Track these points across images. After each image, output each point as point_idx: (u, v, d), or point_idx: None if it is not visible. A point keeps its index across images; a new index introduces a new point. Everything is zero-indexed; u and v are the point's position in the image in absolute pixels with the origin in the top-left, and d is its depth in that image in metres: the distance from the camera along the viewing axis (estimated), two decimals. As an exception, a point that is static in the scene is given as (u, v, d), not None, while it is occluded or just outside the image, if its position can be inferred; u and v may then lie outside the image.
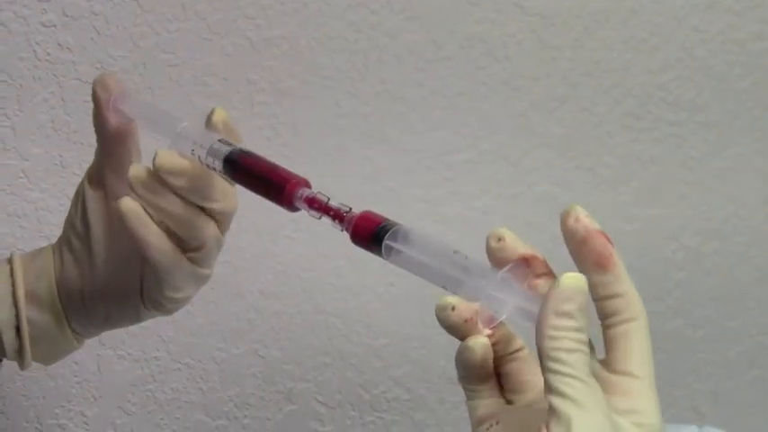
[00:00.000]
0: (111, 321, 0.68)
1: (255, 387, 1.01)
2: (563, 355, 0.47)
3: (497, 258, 0.53)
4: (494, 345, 0.53)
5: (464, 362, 0.53)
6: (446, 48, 0.99)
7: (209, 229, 0.63)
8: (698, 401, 1.21)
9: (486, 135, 1.03)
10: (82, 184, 0.67)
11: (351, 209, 0.56)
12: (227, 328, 0.99)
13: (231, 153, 0.60)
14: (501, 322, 0.52)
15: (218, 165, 0.60)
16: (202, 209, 0.62)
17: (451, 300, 0.52)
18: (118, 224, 0.64)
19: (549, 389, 0.47)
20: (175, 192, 0.61)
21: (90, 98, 0.87)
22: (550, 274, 0.53)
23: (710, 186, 1.14)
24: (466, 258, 0.52)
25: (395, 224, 0.55)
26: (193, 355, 0.98)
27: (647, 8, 1.06)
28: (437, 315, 0.52)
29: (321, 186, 0.98)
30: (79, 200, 0.67)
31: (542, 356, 0.47)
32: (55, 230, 0.90)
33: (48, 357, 0.70)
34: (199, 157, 0.60)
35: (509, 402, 0.53)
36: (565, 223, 0.52)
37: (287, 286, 1.00)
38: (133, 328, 0.89)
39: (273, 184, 0.59)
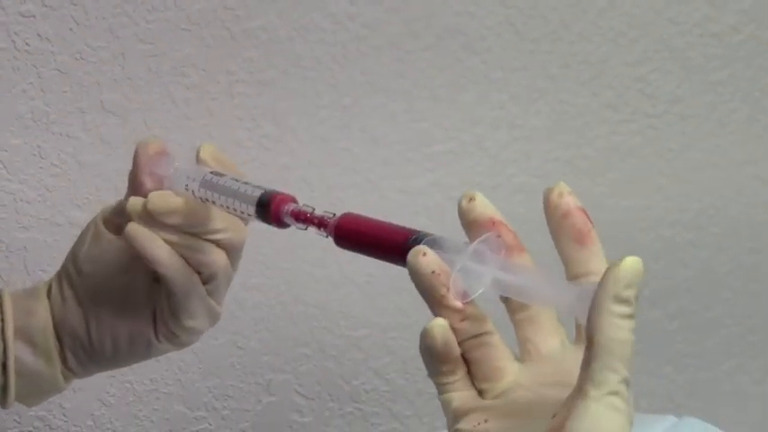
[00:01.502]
0: (119, 358, 0.67)
1: (234, 378, 1.01)
2: (616, 347, 0.45)
3: (468, 220, 0.52)
4: (462, 321, 0.51)
5: (426, 348, 0.51)
6: (425, 40, 0.99)
7: (219, 257, 0.63)
8: (675, 392, 1.22)
9: (466, 127, 1.03)
10: (94, 225, 0.66)
11: (334, 214, 0.56)
12: (206, 319, 0.99)
13: (219, 180, 0.61)
14: (472, 299, 0.51)
15: (210, 195, 0.61)
16: (208, 239, 0.63)
17: (423, 247, 0.50)
18: (132, 265, 0.64)
19: (590, 377, 0.45)
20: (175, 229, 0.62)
21: (69, 89, 0.88)
22: (520, 248, 0.53)
23: (687, 178, 1.14)
24: (441, 237, 0.51)
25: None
26: (173, 346, 0.98)
27: (625, 0, 1.06)
28: (408, 260, 0.50)
29: (301, 177, 0.99)
30: (87, 239, 0.66)
31: (595, 343, 0.45)
32: (33, 221, 0.90)
33: (31, 398, 0.69)
34: (193, 191, 0.61)
35: (480, 393, 0.52)
36: (548, 198, 0.52)
37: (267, 278, 1.00)
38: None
39: (260, 204, 0.59)
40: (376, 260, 0.55)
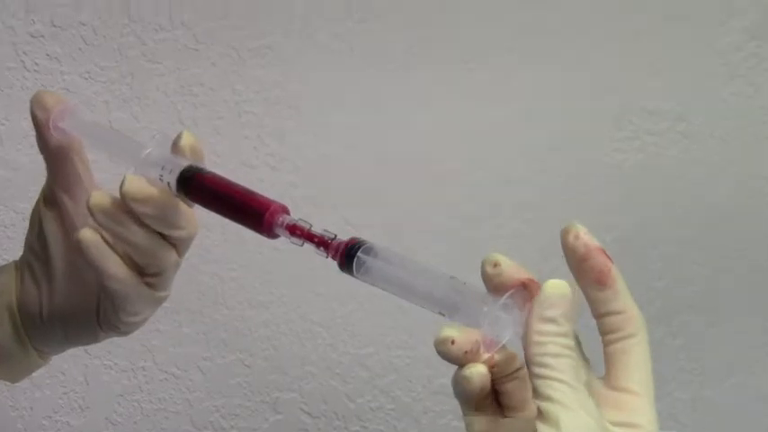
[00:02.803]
0: (70, 340, 0.67)
1: (241, 397, 1.02)
2: (549, 360, 0.47)
3: (494, 284, 0.52)
4: (493, 367, 0.52)
5: (462, 392, 0.52)
6: (428, 57, 1.00)
7: (169, 256, 0.62)
8: (678, 409, 1.22)
9: (470, 144, 1.04)
10: (37, 205, 0.65)
11: (336, 236, 0.55)
12: (213, 337, 0.99)
13: (204, 180, 0.58)
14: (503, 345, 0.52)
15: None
16: (163, 236, 0.61)
17: (450, 332, 0.51)
18: (76, 247, 0.62)
19: (537, 394, 0.47)
20: (139, 220, 0.59)
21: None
22: None
23: (690, 194, 1.15)
24: (464, 285, 0.51)
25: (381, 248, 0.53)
26: (180, 365, 0.98)
27: (628, 20, 1.07)
28: (437, 348, 0.51)
29: (307, 195, 0.99)
30: (35, 220, 0.65)
31: (529, 363, 0.48)
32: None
33: (12, 375, 0.69)
34: (168, 183, 0.58)
35: (505, 417, 0.53)
36: (565, 240, 0.51)
37: (273, 296, 1.00)
38: (119, 339, 0.89)
39: (252, 212, 0.56)
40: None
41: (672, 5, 1.08)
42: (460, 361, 0.51)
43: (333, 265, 1.01)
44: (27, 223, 0.89)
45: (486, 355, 0.51)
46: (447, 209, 1.04)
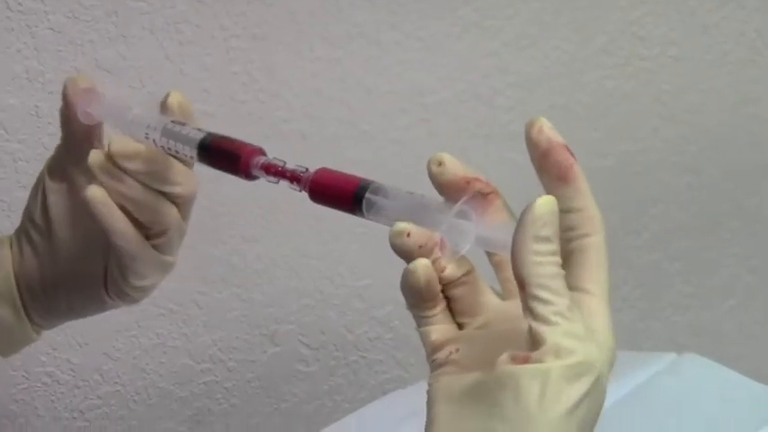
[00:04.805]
0: (74, 312, 0.68)
1: (239, 330, 1.03)
2: (548, 282, 0.46)
3: (439, 183, 0.53)
4: (444, 270, 0.51)
5: (409, 286, 0.51)
6: (417, -11, 1.00)
7: (171, 213, 0.63)
8: (676, 333, 1.23)
9: (460, 75, 1.04)
10: (41, 177, 0.66)
11: (307, 169, 0.55)
12: (209, 272, 1.00)
13: (182, 129, 0.60)
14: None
15: (173, 145, 0.60)
16: (163, 194, 0.62)
17: (406, 226, 0.51)
18: (82, 214, 0.64)
19: (535, 316, 0.46)
20: (134, 177, 0.61)
21: (64, 48, 0.89)
22: (495, 194, 0.53)
23: (683, 120, 1.15)
24: (422, 197, 0.52)
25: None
26: (176, 300, 0.99)
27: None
28: (392, 242, 0.51)
29: (297, 130, 0.99)
30: (39, 192, 0.66)
31: (526, 284, 0.47)
32: (32, 180, 0.91)
33: (4, 349, 0.70)
34: (153, 140, 0.60)
35: (461, 326, 0.53)
36: (528, 134, 0.51)
37: (267, 230, 1.01)
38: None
39: (228, 156, 0.58)
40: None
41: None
42: (415, 256, 0.51)
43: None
44: (18, 164, 0.90)
45: (442, 260, 0.51)
46: (437, 140, 1.04)
